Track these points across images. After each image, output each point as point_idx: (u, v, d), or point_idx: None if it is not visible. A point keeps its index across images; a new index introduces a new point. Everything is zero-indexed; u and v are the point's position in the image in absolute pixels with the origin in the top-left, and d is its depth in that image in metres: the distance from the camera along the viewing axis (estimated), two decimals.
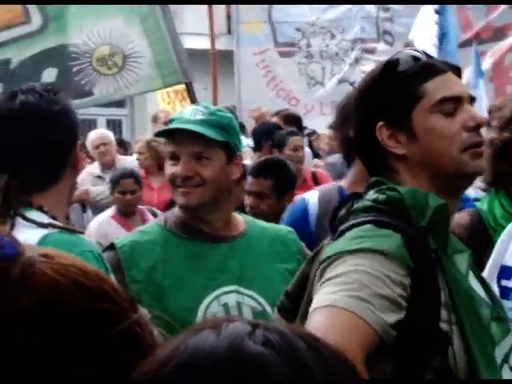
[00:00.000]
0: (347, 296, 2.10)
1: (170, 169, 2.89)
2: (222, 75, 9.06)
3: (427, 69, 2.33)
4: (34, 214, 2.37)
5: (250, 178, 4.71)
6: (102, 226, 6.27)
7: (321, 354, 0.96)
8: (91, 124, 17.63)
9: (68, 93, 4.62)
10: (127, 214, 6.28)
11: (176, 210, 2.95)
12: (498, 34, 9.33)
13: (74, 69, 4.82)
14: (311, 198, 3.76)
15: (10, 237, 1.11)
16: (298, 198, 4.22)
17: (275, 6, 9.17)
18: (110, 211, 6.40)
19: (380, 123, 2.27)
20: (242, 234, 2.97)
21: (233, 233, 2.95)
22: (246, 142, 7.18)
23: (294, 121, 7.57)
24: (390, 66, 2.34)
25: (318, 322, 2.09)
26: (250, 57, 8.78)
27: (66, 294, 1.09)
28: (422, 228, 2.21)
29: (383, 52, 9.37)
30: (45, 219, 2.36)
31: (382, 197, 2.27)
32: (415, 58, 2.35)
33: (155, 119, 9.65)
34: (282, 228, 3.26)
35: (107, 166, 8.09)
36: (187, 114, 2.93)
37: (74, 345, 1.07)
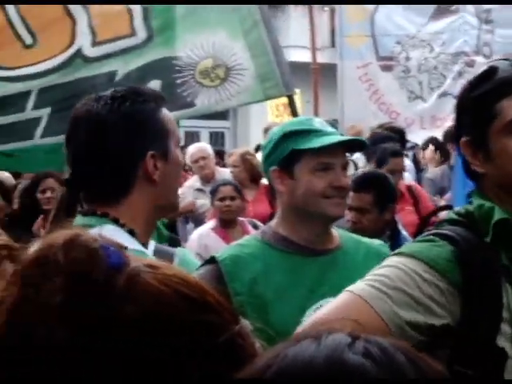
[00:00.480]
0: (369, 285, 2.20)
1: (317, 180, 2.88)
2: (324, 88, 9.11)
3: (503, 85, 2.32)
4: (110, 227, 2.34)
5: (350, 193, 4.68)
6: (202, 238, 6.44)
7: (420, 367, 0.93)
8: (194, 136, 18.11)
9: (170, 104, 4.79)
10: (228, 225, 6.35)
11: (273, 224, 2.98)
12: None
13: (178, 81, 4.86)
14: None
15: (116, 246, 1.13)
16: None
17: (377, 19, 9.11)
18: (211, 224, 6.55)
19: (463, 139, 2.30)
20: (338, 247, 2.97)
21: (330, 246, 2.95)
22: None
23: (397, 134, 7.50)
24: (478, 79, 2.34)
25: (331, 302, 2.27)
26: (353, 70, 8.77)
27: (170, 304, 1.11)
28: (487, 242, 2.22)
29: (482, 65, 9.10)
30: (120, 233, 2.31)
31: (462, 210, 2.31)
32: (493, 72, 2.32)
33: (267, 131, 9.79)
34: (375, 241, 3.25)
35: (207, 179, 8.26)
36: (322, 125, 2.99)
37: (176, 356, 1.08)
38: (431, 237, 2.32)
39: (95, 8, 4.92)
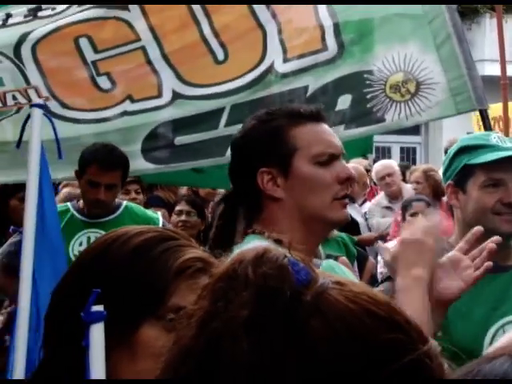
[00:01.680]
0: None
1: (487, 196, 2.90)
2: None
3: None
4: (256, 241, 2.45)
5: None
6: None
7: None
8: (386, 151, 18.18)
9: (361, 119, 4.97)
10: None
11: (451, 240, 2.96)
12: None
13: (368, 96, 4.88)
14: None
15: (305, 263, 1.14)
16: None
17: None
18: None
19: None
20: None
21: (510, 262, 2.93)
22: None
23: None
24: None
25: None
26: None
27: (357, 321, 1.10)
28: None
29: None
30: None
31: None
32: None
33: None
34: None
35: (394, 196, 8.26)
36: (499, 140, 2.99)
37: (362, 373, 1.07)
38: None
39: (285, 21, 5.00)
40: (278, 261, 1.15)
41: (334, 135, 2.64)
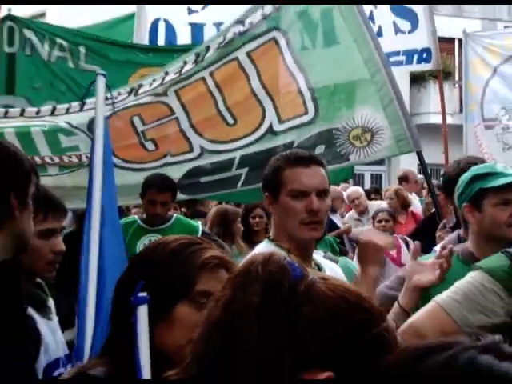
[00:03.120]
0: (448, 296, 2.62)
1: (500, 213, 3.07)
2: (455, 144, 10.01)
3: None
4: (264, 246, 2.96)
5: None
6: None
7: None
8: (360, 177, 20.77)
9: (332, 160, 5.66)
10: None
11: (467, 245, 3.20)
12: None
13: (337, 144, 5.77)
14: None
15: (299, 263, 1.27)
16: None
17: (488, 91, 9.95)
18: None
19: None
20: None
21: None
22: None
23: None
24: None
25: (423, 308, 2.64)
26: (472, 129, 9.79)
27: (336, 306, 1.22)
28: None
29: None
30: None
31: None
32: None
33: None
34: None
35: (361, 212, 9.98)
36: (504, 169, 3.18)
37: (342, 344, 1.19)
38: (499, 253, 2.66)
39: (278, 94, 5.78)
40: (280, 262, 1.25)
41: (313, 176, 2.89)
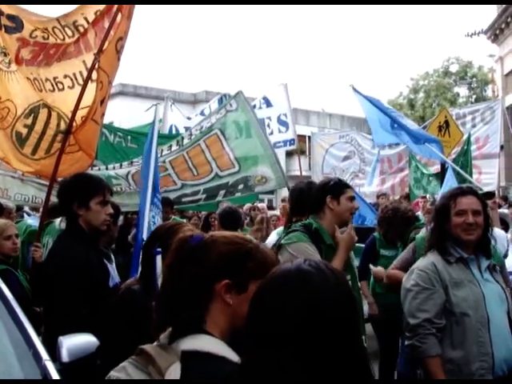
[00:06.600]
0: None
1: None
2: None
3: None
4: None
5: None
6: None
7: (324, 271, 1.48)
8: (263, 201, 27.76)
9: (246, 190, 8.68)
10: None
11: None
12: None
13: (249, 183, 8.40)
14: None
15: (200, 234, 1.74)
16: None
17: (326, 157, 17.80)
18: None
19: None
20: None
21: None
22: None
23: None
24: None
25: None
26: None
27: (226, 250, 1.78)
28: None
29: None
30: None
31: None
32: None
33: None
34: None
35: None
36: None
37: (232, 265, 1.70)
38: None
39: (220, 158, 8.25)
40: (186, 233, 1.82)
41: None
